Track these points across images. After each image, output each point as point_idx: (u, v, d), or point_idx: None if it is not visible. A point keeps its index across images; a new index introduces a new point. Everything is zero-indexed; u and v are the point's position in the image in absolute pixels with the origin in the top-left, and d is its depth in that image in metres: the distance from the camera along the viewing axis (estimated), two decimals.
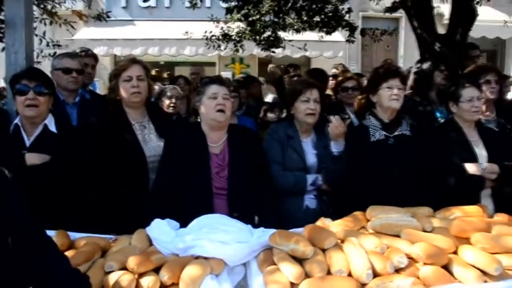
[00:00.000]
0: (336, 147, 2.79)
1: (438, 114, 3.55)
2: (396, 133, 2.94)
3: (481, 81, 3.25)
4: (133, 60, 2.81)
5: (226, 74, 10.52)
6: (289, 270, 1.82)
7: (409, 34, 8.86)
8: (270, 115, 4.68)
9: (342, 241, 2.07)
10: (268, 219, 2.52)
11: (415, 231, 2.11)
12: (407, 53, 10.88)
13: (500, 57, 11.66)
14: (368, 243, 2.00)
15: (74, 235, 2.27)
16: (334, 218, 2.40)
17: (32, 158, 2.54)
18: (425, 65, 3.76)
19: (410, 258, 1.95)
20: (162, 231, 2.21)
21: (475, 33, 8.17)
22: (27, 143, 2.64)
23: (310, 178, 2.88)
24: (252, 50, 7.80)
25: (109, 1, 10.38)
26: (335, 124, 2.78)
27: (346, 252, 1.94)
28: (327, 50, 9.22)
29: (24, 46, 3.32)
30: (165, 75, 8.25)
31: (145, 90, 2.78)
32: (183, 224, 2.29)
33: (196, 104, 2.64)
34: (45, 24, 4.86)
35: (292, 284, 1.80)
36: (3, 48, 3.68)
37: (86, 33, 9.12)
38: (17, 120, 2.69)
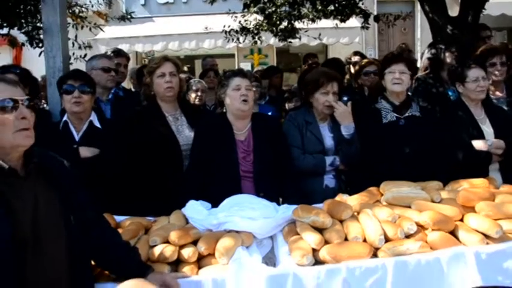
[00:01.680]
0: (346, 131, 2.99)
1: (450, 93, 3.71)
2: (407, 114, 3.12)
3: (487, 64, 3.40)
4: (166, 58, 3.08)
5: (246, 65, 10.75)
6: (310, 238, 2.07)
7: (424, 17, 8.91)
8: (289, 104, 4.90)
9: (358, 213, 2.30)
10: (290, 197, 2.75)
11: (424, 202, 2.33)
12: (424, 35, 10.84)
13: None
14: (381, 214, 2.23)
15: (118, 218, 2.56)
16: (351, 195, 2.63)
17: (85, 151, 2.85)
18: (438, 47, 3.92)
19: (419, 226, 2.16)
20: (196, 210, 2.49)
21: (493, 11, 8.10)
22: (77, 137, 2.95)
23: (328, 159, 3.08)
24: (269, 40, 7.98)
25: (128, 0, 10.70)
26: (343, 108, 2.95)
27: (361, 222, 2.17)
28: (344, 36, 9.32)
29: (61, 50, 3.65)
30: (185, 68, 8.53)
31: (177, 85, 3.05)
32: (214, 204, 2.56)
33: (222, 96, 2.90)
34: (76, 28, 5.18)
35: (313, 250, 2.04)
36: (41, 53, 4.02)
37: (107, 33, 9.40)
38: (65, 118, 2.99)
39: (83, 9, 5.32)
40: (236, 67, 10.85)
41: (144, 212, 2.65)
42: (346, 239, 2.11)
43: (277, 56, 11.62)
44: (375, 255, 2.03)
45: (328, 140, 3.16)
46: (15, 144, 1.61)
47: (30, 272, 1.60)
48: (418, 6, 10.33)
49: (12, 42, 4.74)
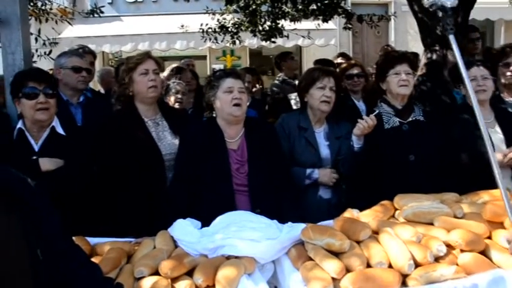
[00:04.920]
0: (357, 143, 2.72)
1: (457, 96, 3.52)
2: (410, 119, 2.90)
3: (500, 64, 3.22)
4: (148, 55, 2.72)
5: (218, 67, 10.40)
6: (329, 265, 1.76)
7: (399, 20, 8.83)
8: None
9: (376, 232, 2.02)
10: (289, 213, 2.44)
11: (449, 218, 2.06)
12: (398, 38, 10.87)
13: (489, 39, 11.71)
14: (403, 233, 1.95)
15: (92, 240, 2.19)
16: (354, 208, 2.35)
17: (47, 163, 2.43)
18: (436, 48, 3.72)
19: (446, 245, 1.90)
20: (186, 231, 2.14)
21: None
22: (36, 147, 2.52)
23: (306, 172, 2.80)
24: (245, 41, 7.69)
25: None
26: (370, 125, 2.63)
27: (383, 243, 1.88)
28: (319, 38, 9.12)
29: (22, 46, 3.19)
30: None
31: (160, 85, 2.69)
32: (205, 222, 2.22)
33: (211, 99, 2.56)
34: (40, 21, 4.68)
35: (333, 279, 1.74)
36: None
37: (72, 31, 8.86)
38: (20, 125, 2.55)
39: (46, 1, 4.81)
40: (208, 69, 10.50)
41: (122, 233, 2.28)
42: (367, 265, 1.81)
43: (250, 58, 11.32)
44: (403, 283, 1.75)
45: (324, 149, 2.90)
46: None
47: None
48: (392, 9, 10.35)
49: None
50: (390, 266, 1.79)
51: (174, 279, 1.76)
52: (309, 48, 10.21)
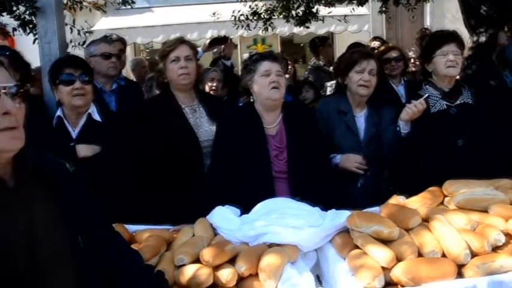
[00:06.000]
0: (405, 128, 2.60)
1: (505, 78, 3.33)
2: (458, 102, 2.76)
3: None
4: (181, 40, 2.68)
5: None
6: (379, 254, 1.66)
7: (435, 3, 8.47)
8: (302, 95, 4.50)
9: (425, 220, 1.90)
10: (328, 201, 2.35)
11: (506, 206, 1.92)
12: (434, 23, 10.43)
13: None
14: (456, 221, 1.82)
15: (131, 228, 2.16)
16: (390, 195, 2.24)
17: (84, 150, 2.44)
18: (481, 30, 3.52)
19: (505, 234, 1.77)
20: (225, 218, 2.08)
21: None
22: (73, 134, 2.53)
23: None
24: (276, 28, 7.55)
25: None
26: (420, 109, 2.54)
27: (436, 231, 1.77)
28: (352, 24, 8.86)
29: (57, 35, 3.23)
30: None
31: (193, 72, 2.64)
32: (243, 209, 2.16)
33: (248, 83, 2.48)
34: (75, 9, 4.75)
35: (383, 268, 1.64)
36: (35, 40, 3.58)
37: (104, 23, 8.96)
38: (59, 113, 2.57)
39: None
40: (239, 58, 10.43)
41: (159, 220, 2.25)
42: (418, 254, 1.71)
43: (281, 46, 11.17)
44: (458, 273, 1.63)
45: (364, 134, 2.80)
46: None
47: None
48: None
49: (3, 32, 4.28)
50: (443, 256, 1.68)
51: (216, 267, 1.70)
52: (342, 35, 9.95)
